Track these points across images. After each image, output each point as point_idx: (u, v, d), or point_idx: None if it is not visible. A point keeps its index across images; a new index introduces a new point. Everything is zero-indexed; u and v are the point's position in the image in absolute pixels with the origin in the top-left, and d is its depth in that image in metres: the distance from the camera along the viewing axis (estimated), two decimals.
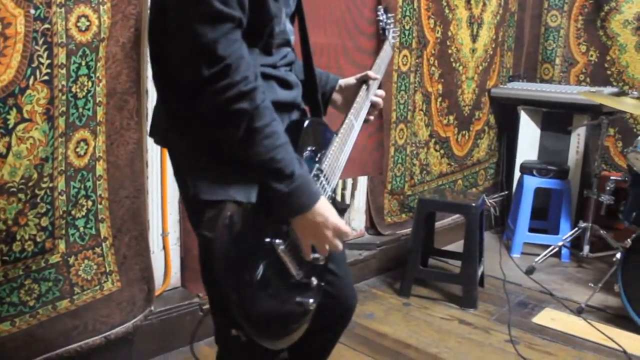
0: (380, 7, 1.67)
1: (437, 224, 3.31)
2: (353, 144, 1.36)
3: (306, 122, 1.23)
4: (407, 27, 3.06)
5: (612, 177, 3.21)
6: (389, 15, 1.65)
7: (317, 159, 1.24)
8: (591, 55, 3.98)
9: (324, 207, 1.13)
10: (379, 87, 1.52)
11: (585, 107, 3.44)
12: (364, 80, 1.46)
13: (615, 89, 3.64)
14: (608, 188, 3.15)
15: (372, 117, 1.50)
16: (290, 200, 1.08)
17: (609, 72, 3.90)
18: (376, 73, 1.50)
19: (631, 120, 3.80)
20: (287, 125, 1.19)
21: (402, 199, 3.30)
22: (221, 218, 1.03)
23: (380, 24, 1.65)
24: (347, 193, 3.10)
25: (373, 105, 1.48)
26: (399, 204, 3.29)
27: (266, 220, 1.11)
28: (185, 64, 1.03)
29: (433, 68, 3.33)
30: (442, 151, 3.54)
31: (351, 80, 1.48)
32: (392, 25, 1.65)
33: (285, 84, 1.22)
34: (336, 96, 1.48)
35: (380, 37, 1.67)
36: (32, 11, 1.68)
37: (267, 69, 1.17)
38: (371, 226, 3.18)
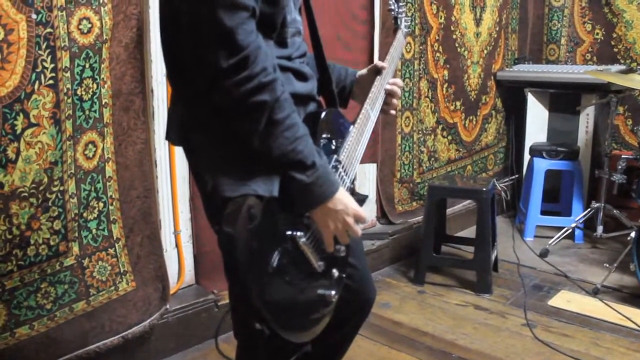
0: None
1: (449, 211, 3.29)
2: (370, 133, 1.35)
3: (323, 114, 1.23)
4: (409, 14, 3.04)
5: (623, 156, 3.18)
6: (400, 4, 1.63)
7: (334, 150, 1.24)
8: (597, 34, 3.93)
9: (344, 195, 1.14)
10: (394, 76, 1.52)
11: (593, 87, 3.40)
12: (377, 70, 1.45)
13: (623, 67, 3.60)
14: (620, 167, 3.12)
15: (393, 111, 1.49)
16: (312, 190, 1.09)
17: (615, 50, 3.85)
18: (390, 63, 1.49)
19: None
20: (304, 117, 1.19)
21: (412, 187, 3.29)
22: (242, 213, 1.03)
23: (392, 13, 1.63)
24: (357, 183, 3.10)
25: (390, 94, 1.47)
26: (409, 192, 3.28)
27: (286, 213, 1.11)
28: (202, 57, 1.02)
29: (437, 54, 3.30)
30: (449, 137, 3.52)
31: (364, 71, 1.48)
32: (404, 14, 1.63)
33: (301, 76, 1.21)
34: (355, 89, 1.47)
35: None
36: (34, 16, 1.69)
37: (283, 61, 1.16)
38: (382, 215, 3.17)
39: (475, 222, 2.84)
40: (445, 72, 3.38)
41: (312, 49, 1.34)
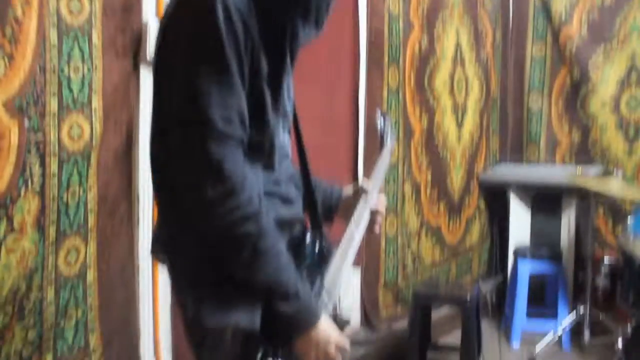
0: (378, 111, 1.69)
1: (434, 314, 3.24)
2: (354, 254, 1.35)
3: (307, 238, 1.23)
4: (393, 119, 3.13)
5: (606, 259, 3.20)
6: (387, 121, 1.67)
7: (318, 274, 1.23)
8: (574, 136, 4.08)
9: (326, 324, 1.12)
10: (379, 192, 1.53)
11: (574, 189, 3.48)
12: (363, 189, 1.46)
13: (600, 169, 3.70)
14: (603, 270, 3.14)
15: (377, 227, 1.49)
16: (294, 320, 1.08)
17: (593, 152, 3.99)
18: (375, 180, 1.51)
19: (620, 199, 3.84)
20: (288, 240, 1.19)
21: (396, 291, 3.26)
22: (222, 344, 1.03)
23: (379, 129, 1.66)
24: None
25: (374, 212, 1.47)
26: (393, 296, 3.24)
27: (267, 341, 1.09)
28: (188, 184, 1.03)
29: (421, 157, 3.38)
30: (433, 239, 3.54)
31: (349, 190, 1.49)
32: (389, 131, 1.66)
33: (287, 201, 1.22)
34: (339, 206, 1.47)
35: (379, 138, 1.67)
36: (26, 123, 1.70)
37: (270, 186, 1.17)
38: (366, 321, 3.10)
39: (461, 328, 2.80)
40: (429, 175, 3.45)
41: (298, 166, 1.35)
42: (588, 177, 3.29)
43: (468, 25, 3.83)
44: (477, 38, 3.93)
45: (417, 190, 3.36)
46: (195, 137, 1.01)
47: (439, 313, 3.41)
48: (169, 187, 1.10)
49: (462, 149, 3.74)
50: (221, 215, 1.01)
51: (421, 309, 2.88)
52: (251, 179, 1.06)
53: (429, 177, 3.45)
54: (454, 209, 3.71)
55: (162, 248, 1.19)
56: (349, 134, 2.85)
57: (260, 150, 1.14)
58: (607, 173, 3.61)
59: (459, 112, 3.71)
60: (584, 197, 3.37)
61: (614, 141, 3.90)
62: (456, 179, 3.71)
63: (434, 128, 3.47)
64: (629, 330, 2.61)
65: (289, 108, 1.25)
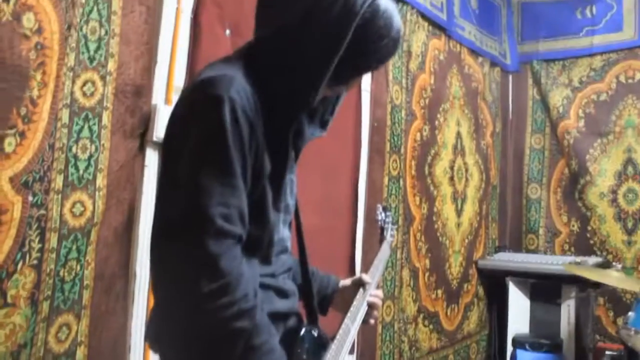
0: (379, 206, 1.73)
1: None
2: (349, 348, 1.34)
3: (302, 331, 1.23)
4: (393, 205, 3.18)
5: (607, 352, 3.14)
6: (388, 214, 1.69)
7: None
8: (573, 226, 4.11)
9: None
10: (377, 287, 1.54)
11: (573, 279, 3.46)
12: (362, 283, 1.47)
13: (599, 259, 3.70)
14: None
15: (372, 320, 1.49)
16: None
17: (592, 242, 4.00)
18: (374, 273, 1.52)
19: (620, 289, 3.81)
20: (282, 334, 1.19)
21: None
22: None
23: (379, 223, 1.69)
24: None
25: (371, 306, 1.47)
26: None
27: None
28: (184, 278, 1.03)
29: (420, 243, 3.40)
30: (431, 326, 3.49)
31: (347, 282, 1.49)
32: (390, 224, 1.68)
33: (282, 293, 1.23)
34: (336, 298, 1.48)
35: (380, 232, 1.69)
36: (30, 198, 1.74)
37: (266, 279, 1.18)
38: None
39: None
40: (427, 261, 3.45)
41: (297, 258, 1.37)
42: (587, 267, 3.29)
43: (468, 116, 3.96)
44: (477, 128, 4.05)
45: (415, 276, 3.35)
46: (194, 232, 1.02)
47: None
48: (165, 277, 1.10)
49: (461, 236, 3.76)
50: (215, 310, 1.01)
51: None
52: (247, 275, 1.06)
53: (428, 263, 3.45)
54: (452, 296, 3.68)
55: (154, 336, 1.18)
56: (348, 220, 2.88)
57: (258, 245, 1.16)
58: (606, 264, 3.61)
59: (459, 200, 3.76)
60: (584, 287, 3.35)
61: (613, 232, 3.92)
62: (455, 266, 3.71)
63: (433, 215, 3.51)
64: None
65: (291, 202, 1.27)
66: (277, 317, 1.16)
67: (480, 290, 3.97)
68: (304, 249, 1.35)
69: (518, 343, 3.49)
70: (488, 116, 4.24)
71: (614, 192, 3.99)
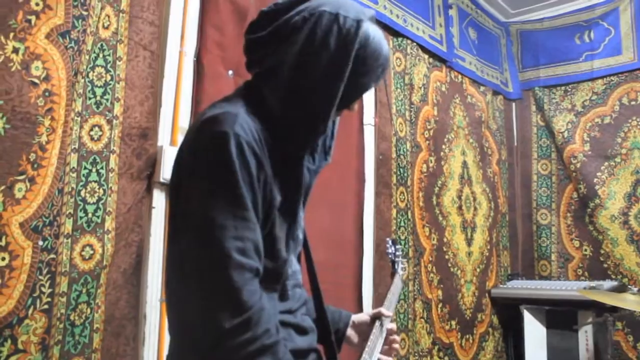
0: (388, 239, 1.73)
1: None
2: None
3: None
4: (402, 237, 3.17)
5: None
6: (397, 247, 1.69)
7: None
8: (585, 250, 4.06)
9: None
10: (392, 321, 1.52)
11: (589, 304, 3.41)
12: (377, 317, 1.46)
13: (615, 283, 3.65)
14: None
15: (394, 353, 1.47)
16: None
17: (605, 266, 3.95)
18: (388, 308, 1.51)
19: (637, 313, 3.75)
20: None
21: None
22: None
23: (390, 256, 1.68)
24: None
25: (387, 341, 1.46)
26: None
27: None
28: (205, 314, 1.01)
29: (431, 275, 3.37)
30: (446, 358, 3.44)
31: (364, 316, 1.48)
32: (400, 257, 1.68)
33: (301, 330, 1.22)
34: (350, 332, 1.46)
35: (391, 265, 1.69)
36: (41, 243, 1.75)
37: (285, 316, 1.17)
38: None
39: None
40: (440, 292, 3.42)
41: (311, 294, 1.36)
42: (603, 291, 3.24)
43: (474, 145, 3.97)
44: (483, 157, 4.06)
45: (428, 307, 3.32)
46: (212, 268, 1.02)
47: None
48: (183, 315, 1.08)
49: (472, 265, 3.73)
50: (237, 347, 0.99)
51: None
52: (268, 310, 1.05)
53: (440, 294, 3.42)
54: (467, 326, 3.62)
55: None
56: (354, 255, 2.86)
57: (274, 279, 1.15)
58: (621, 287, 3.55)
59: (468, 229, 3.75)
60: (600, 312, 3.30)
61: (626, 255, 3.87)
62: (468, 296, 3.67)
63: (443, 246, 3.49)
64: None
65: (300, 235, 1.27)
66: (297, 355, 1.13)
67: (495, 320, 3.91)
68: (316, 282, 1.34)
69: None
70: (493, 144, 4.25)
71: (625, 214, 3.96)
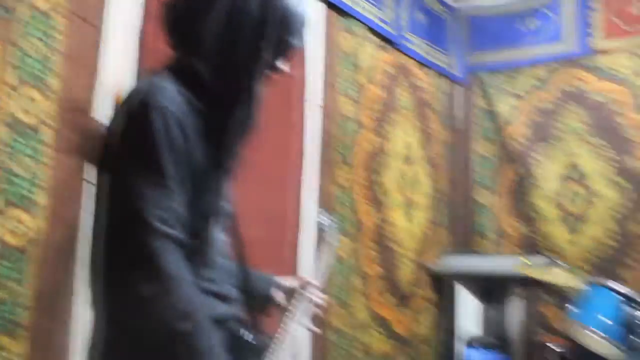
0: (320, 210, 1.73)
1: None
2: (292, 347, 1.37)
3: (244, 335, 1.25)
4: (344, 215, 3.24)
5: (553, 347, 3.25)
6: (329, 217, 1.71)
7: None
8: (520, 228, 4.24)
9: None
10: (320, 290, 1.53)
11: (521, 279, 3.56)
12: (301, 284, 1.49)
13: (546, 259, 3.82)
14: (552, 357, 3.18)
15: (314, 321, 1.50)
16: None
17: (538, 243, 4.14)
18: (316, 276, 1.53)
19: (565, 286, 3.93)
20: (224, 338, 1.19)
21: None
22: None
23: (320, 226, 1.70)
24: None
25: (312, 307, 1.48)
26: None
27: None
28: (124, 281, 1.03)
29: (371, 251, 3.47)
30: (383, 331, 3.56)
31: (287, 281, 1.50)
32: (332, 228, 1.68)
33: (223, 298, 1.24)
34: (274, 296, 1.48)
35: (321, 235, 1.69)
36: None
37: (206, 284, 1.18)
38: None
39: None
40: (379, 268, 3.52)
41: (235, 263, 1.38)
42: (534, 266, 3.40)
43: (418, 126, 4.07)
44: (426, 138, 4.16)
45: (366, 282, 3.42)
46: (132, 236, 1.04)
47: None
48: (104, 283, 1.10)
49: (411, 242, 3.86)
50: (156, 312, 1.01)
51: None
52: (188, 277, 1.06)
53: (379, 270, 3.53)
54: (404, 301, 3.75)
55: (96, 353, 1.16)
56: (291, 231, 2.91)
57: (196, 248, 1.17)
58: (551, 263, 3.73)
59: (409, 208, 3.86)
60: (531, 287, 3.47)
61: (558, 233, 4.07)
62: (406, 271, 3.79)
63: (384, 223, 3.59)
64: None
65: (226, 206, 1.29)
66: (218, 322, 1.16)
67: (432, 294, 4.05)
68: (242, 252, 1.36)
69: (468, 343, 3.58)
70: (437, 126, 4.36)
71: (559, 194, 4.15)
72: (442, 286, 4.05)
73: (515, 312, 3.74)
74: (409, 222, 3.85)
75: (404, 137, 3.89)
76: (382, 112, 3.69)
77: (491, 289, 3.86)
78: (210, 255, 1.23)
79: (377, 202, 3.54)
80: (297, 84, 3.05)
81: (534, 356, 3.31)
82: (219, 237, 1.29)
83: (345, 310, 3.25)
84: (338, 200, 3.23)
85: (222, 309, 1.23)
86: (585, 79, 4.21)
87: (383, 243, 3.57)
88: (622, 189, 4.00)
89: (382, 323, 3.55)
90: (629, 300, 2.67)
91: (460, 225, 4.40)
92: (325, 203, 3.11)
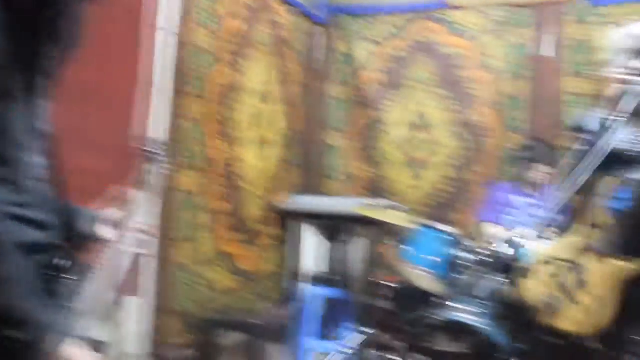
0: (151, 138, 1.68)
1: (226, 341, 3.27)
2: (118, 275, 1.32)
3: (59, 264, 1.18)
4: (193, 148, 3.16)
5: (389, 284, 3.49)
6: (157, 145, 1.65)
7: (73, 300, 1.18)
8: (368, 171, 4.45)
9: (72, 352, 1.07)
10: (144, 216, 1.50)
11: (363, 219, 3.76)
12: (126, 215, 1.43)
13: (388, 202, 4.06)
14: (386, 293, 3.42)
15: (143, 248, 1.46)
16: (31, 349, 1.02)
17: (383, 187, 4.37)
18: (139, 202, 1.48)
19: (403, 228, 4.22)
20: (38, 266, 1.13)
21: (188, 320, 3.23)
22: None
23: (147, 154, 1.64)
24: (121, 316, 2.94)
25: (137, 234, 1.44)
26: (184, 325, 3.20)
27: None
28: None
29: (220, 187, 3.44)
30: (228, 268, 3.59)
31: (112, 213, 1.44)
32: (159, 156, 1.64)
33: (37, 225, 1.16)
34: (93, 231, 1.40)
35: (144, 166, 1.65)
36: None
37: (16, 209, 1.10)
38: (154, 351, 3.02)
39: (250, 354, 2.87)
40: (227, 204, 3.51)
41: (53, 191, 1.31)
42: (376, 208, 3.59)
43: (275, 64, 4.03)
44: (283, 76, 4.14)
45: (213, 218, 3.40)
46: None
47: (231, 340, 3.45)
48: None
49: (261, 180, 3.88)
50: None
51: (209, 336, 2.90)
52: None
53: (227, 207, 3.52)
54: (251, 238, 3.81)
55: None
56: (133, 162, 2.80)
57: (6, 172, 1.09)
58: (393, 206, 3.97)
59: (261, 146, 3.86)
60: (372, 227, 3.67)
61: (402, 178, 4.33)
62: (254, 209, 3.82)
63: (235, 160, 3.56)
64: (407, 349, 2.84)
65: (43, 127, 1.20)
66: (31, 250, 1.10)
67: (279, 232, 4.15)
68: (58, 179, 1.29)
69: (312, 280, 3.74)
70: (295, 66, 4.35)
71: (405, 141, 4.39)
72: (290, 225, 4.16)
73: (357, 251, 3.95)
74: (261, 160, 3.86)
75: (260, 74, 3.84)
76: (240, 46, 3.60)
77: (336, 229, 4.03)
78: (21, 179, 1.14)
79: (228, 138, 3.49)
80: (149, 9, 2.86)
81: (371, 293, 3.54)
82: (35, 160, 1.20)
83: (190, 246, 3.22)
84: (188, 133, 3.14)
85: (33, 235, 1.15)
86: (437, 32, 4.41)
87: (233, 180, 3.56)
88: (462, 139, 4.31)
89: (228, 259, 3.58)
90: (453, 241, 2.92)
91: (310, 166, 4.50)
92: (175, 136, 3.01)
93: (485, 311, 2.63)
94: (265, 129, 3.89)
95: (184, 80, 3.09)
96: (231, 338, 3.43)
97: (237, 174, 3.61)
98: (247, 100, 3.69)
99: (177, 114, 3.06)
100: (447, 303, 2.75)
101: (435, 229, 3.00)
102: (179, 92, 3.06)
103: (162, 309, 3.04)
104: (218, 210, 3.44)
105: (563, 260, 2.00)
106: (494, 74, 4.27)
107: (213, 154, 3.36)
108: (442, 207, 4.28)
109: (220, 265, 3.50)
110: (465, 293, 2.74)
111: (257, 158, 3.81)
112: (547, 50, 4.15)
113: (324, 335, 3.74)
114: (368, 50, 4.53)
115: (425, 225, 3.05)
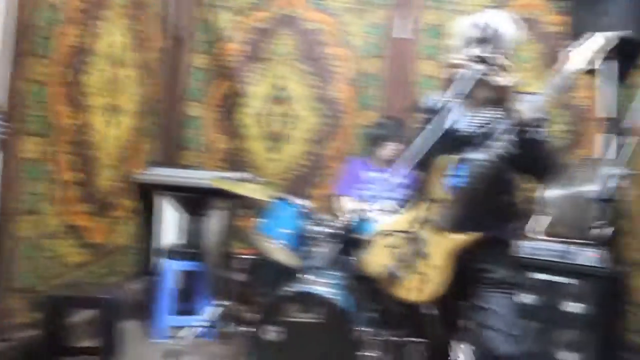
0: None
1: (76, 318, 3.12)
2: None
3: None
4: (36, 112, 2.92)
5: (245, 256, 3.52)
6: None
7: None
8: (227, 143, 4.43)
9: None
10: None
11: (220, 192, 3.73)
12: None
13: (245, 174, 4.06)
14: (243, 266, 3.45)
15: None
16: None
17: (242, 159, 4.39)
18: None
19: (261, 200, 4.27)
20: None
21: (32, 297, 3.02)
22: None
23: None
24: None
25: None
26: (29, 303, 2.99)
27: None
28: None
29: (68, 155, 3.22)
30: (77, 241, 3.40)
31: None
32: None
33: None
34: None
35: None
36: None
37: None
38: None
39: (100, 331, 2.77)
40: (76, 174, 3.31)
41: None
42: (232, 181, 3.57)
43: (132, 28, 3.83)
44: (141, 42, 3.95)
45: (60, 189, 3.18)
46: None
47: (81, 318, 3.30)
48: None
49: (114, 150, 3.70)
50: None
51: (56, 314, 2.75)
52: None
53: (75, 176, 3.31)
54: (102, 210, 3.63)
55: None
56: None
57: None
58: (250, 178, 3.98)
59: (114, 113, 3.67)
60: (228, 200, 3.67)
61: (260, 150, 4.37)
62: (106, 179, 3.64)
63: (84, 127, 3.35)
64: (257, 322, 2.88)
65: None
66: None
67: (132, 205, 4.00)
68: None
69: (167, 253, 3.67)
70: (154, 31, 4.17)
71: (265, 114, 4.41)
72: (145, 197, 4.03)
73: (214, 224, 3.93)
74: (114, 128, 3.67)
75: (114, 36, 3.63)
76: (93, 4, 3.37)
77: (193, 201, 3.97)
78: None
79: (77, 104, 3.27)
80: None
81: (227, 265, 3.54)
82: None
83: (34, 218, 2.99)
84: (31, 97, 2.89)
85: None
86: (300, 6, 4.46)
87: (82, 148, 3.35)
88: (320, 114, 4.42)
89: (77, 232, 3.38)
90: (305, 214, 3.01)
91: (167, 136, 4.38)
92: (15, 99, 2.76)
93: (335, 282, 2.76)
94: (118, 95, 3.70)
95: (26, 38, 2.83)
96: (81, 315, 3.28)
97: (88, 142, 3.40)
98: (98, 64, 3.47)
99: (18, 75, 2.80)
100: (300, 275, 2.84)
101: (290, 202, 3.06)
102: (21, 51, 2.80)
103: (3, 287, 2.82)
104: (66, 180, 3.22)
105: (403, 232, 2.14)
106: (354, 52, 4.42)
107: (60, 120, 3.12)
108: (300, 180, 4.39)
109: (68, 239, 3.30)
110: (316, 265, 2.85)
111: (109, 126, 3.62)
112: (405, 32, 4.36)
113: (181, 310, 3.69)
114: (231, 19, 4.46)
115: (280, 199, 3.10)
